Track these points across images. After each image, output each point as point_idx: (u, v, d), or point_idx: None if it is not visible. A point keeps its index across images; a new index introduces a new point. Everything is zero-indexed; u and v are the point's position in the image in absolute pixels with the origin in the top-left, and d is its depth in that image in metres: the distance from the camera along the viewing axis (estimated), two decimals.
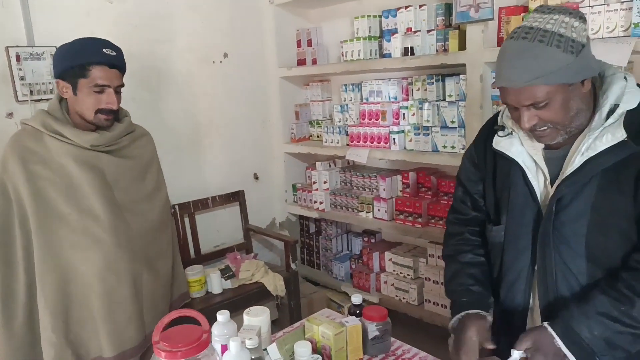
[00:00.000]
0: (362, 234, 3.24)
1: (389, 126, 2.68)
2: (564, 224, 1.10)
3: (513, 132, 1.18)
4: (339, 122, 3.02)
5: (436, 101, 2.52)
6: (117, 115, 1.68)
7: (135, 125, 1.83)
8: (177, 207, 2.70)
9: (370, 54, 2.75)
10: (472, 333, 1.17)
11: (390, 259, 2.88)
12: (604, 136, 1.04)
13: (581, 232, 1.09)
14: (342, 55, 2.86)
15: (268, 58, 3.25)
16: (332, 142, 3.01)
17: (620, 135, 1.02)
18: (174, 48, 2.76)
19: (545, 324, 1.07)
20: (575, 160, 1.08)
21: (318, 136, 3.23)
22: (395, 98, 2.75)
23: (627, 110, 1.04)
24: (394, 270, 2.86)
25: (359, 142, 2.82)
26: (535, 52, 0.99)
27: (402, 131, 2.64)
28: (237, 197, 3.06)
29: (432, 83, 2.54)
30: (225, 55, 3.04)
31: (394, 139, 2.65)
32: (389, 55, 2.64)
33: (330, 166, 3.21)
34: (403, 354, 1.39)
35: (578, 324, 1.03)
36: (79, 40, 1.61)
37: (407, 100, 2.68)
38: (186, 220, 2.81)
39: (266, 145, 3.35)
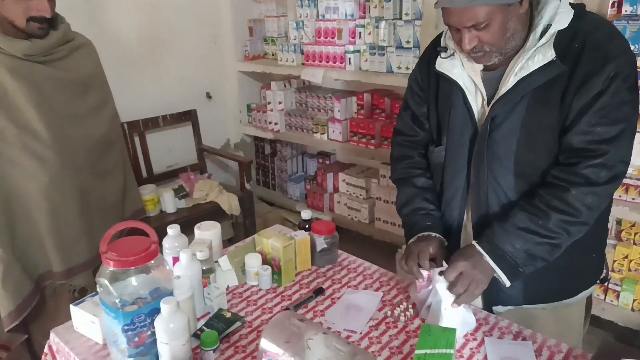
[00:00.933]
0: (316, 156, 3.28)
1: (344, 45, 2.63)
2: (497, 142, 1.15)
3: (455, 54, 1.19)
4: (295, 39, 2.92)
5: (392, 19, 2.47)
6: (52, 22, 1.55)
7: (75, 33, 1.69)
8: (125, 125, 2.61)
9: None
10: (428, 247, 1.21)
11: (343, 180, 2.95)
12: (535, 56, 1.07)
13: (511, 149, 1.14)
14: None
15: None
16: (287, 61, 2.93)
17: (550, 55, 1.05)
18: None
19: (474, 242, 1.15)
20: (509, 80, 1.10)
21: (273, 54, 3.13)
22: (352, 15, 2.67)
23: (558, 31, 1.07)
24: (347, 191, 2.94)
25: (314, 61, 2.76)
26: None
27: (358, 51, 2.60)
28: (189, 116, 2.98)
29: (389, 0, 2.47)
30: None
31: (350, 58, 2.60)
32: None
33: (285, 86, 3.15)
34: (349, 264, 1.47)
35: (501, 240, 1.11)
36: None
37: (364, 18, 2.61)
38: (136, 139, 2.73)
39: (218, 63, 3.23)
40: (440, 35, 1.26)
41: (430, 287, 1.17)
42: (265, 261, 1.38)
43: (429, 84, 1.30)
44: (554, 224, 1.08)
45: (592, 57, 1.04)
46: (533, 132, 1.12)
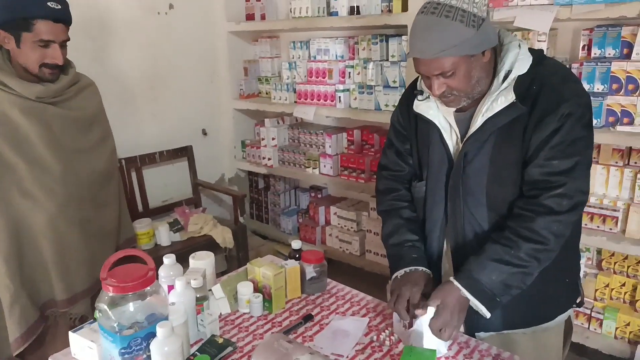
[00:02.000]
0: (309, 190, 3.36)
1: (335, 84, 2.76)
2: (470, 176, 1.25)
3: (430, 97, 1.30)
4: (287, 79, 3.06)
5: (380, 61, 2.61)
6: (62, 68, 1.66)
7: (80, 74, 1.80)
8: (123, 161, 2.69)
9: (318, 12, 2.78)
10: (418, 290, 1.25)
11: (335, 213, 3.02)
12: (499, 99, 1.18)
13: (482, 183, 1.23)
14: (291, 11, 2.88)
15: (216, 11, 3.20)
16: (280, 99, 3.06)
17: (511, 97, 1.16)
18: None
19: (451, 278, 1.21)
20: (477, 120, 1.21)
21: (267, 93, 3.26)
22: (342, 57, 2.81)
23: (518, 75, 1.18)
24: (339, 224, 3.01)
25: (306, 99, 2.89)
26: (441, 26, 1.10)
27: (348, 89, 2.73)
28: (185, 152, 3.08)
29: (377, 43, 2.62)
30: (171, 6, 2.97)
31: (340, 97, 2.73)
32: (336, 14, 2.68)
33: (278, 123, 3.26)
34: (337, 292, 1.53)
35: (477, 273, 1.17)
36: None
37: (353, 59, 2.76)
38: (133, 174, 2.81)
39: (214, 101, 3.35)
40: (417, 80, 1.37)
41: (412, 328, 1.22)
42: (256, 289, 1.44)
43: (409, 123, 1.40)
44: (525, 253, 1.15)
45: (548, 98, 1.14)
46: (500, 167, 1.21)
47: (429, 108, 1.29)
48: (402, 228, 1.40)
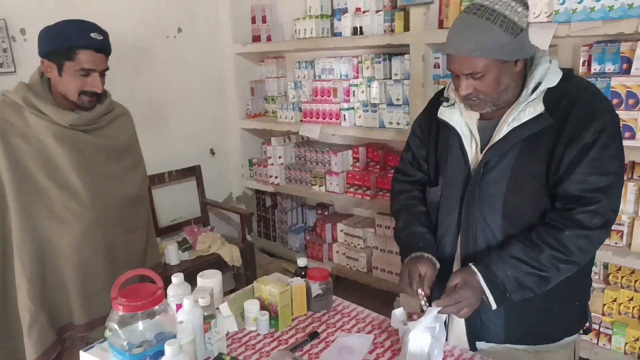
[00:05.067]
0: (316, 207, 3.39)
1: (339, 103, 2.81)
2: (488, 185, 1.27)
3: (455, 104, 1.34)
4: (293, 98, 3.11)
5: (383, 79, 2.65)
6: (99, 96, 1.70)
7: (115, 103, 1.84)
8: None
9: (323, 33, 2.85)
10: (426, 268, 1.30)
11: (342, 230, 3.04)
12: (527, 109, 1.20)
13: (500, 192, 1.25)
14: (296, 32, 2.94)
15: (223, 33, 3.28)
16: (286, 118, 3.11)
17: (540, 108, 1.18)
18: (127, 21, 2.77)
19: (471, 264, 1.24)
20: (503, 129, 1.23)
21: (273, 112, 3.32)
22: (347, 76, 2.87)
23: (548, 88, 1.20)
24: (345, 241, 3.03)
25: (311, 118, 2.94)
26: (480, 27, 1.13)
27: (352, 108, 2.77)
28: (193, 172, 3.13)
29: (380, 62, 2.67)
30: (180, 30, 3.06)
31: (345, 115, 2.77)
32: (340, 34, 2.75)
33: (285, 141, 3.31)
34: (343, 309, 1.54)
35: (495, 265, 1.20)
36: (67, 22, 1.60)
37: (357, 78, 2.81)
38: None
39: (222, 121, 3.41)
40: (444, 89, 1.41)
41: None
42: (263, 307, 1.46)
43: (430, 130, 1.44)
44: (545, 258, 1.17)
45: (580, 113, 1.16)
46: (520, 178, 1.23)
47: (452, 114, 1.33)
48: (414, 222, 1.43)
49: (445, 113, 1.34)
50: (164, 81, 3.03)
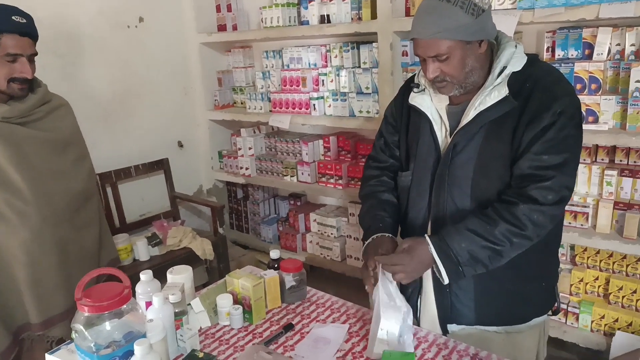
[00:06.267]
0: (288, 197, 3.37)
1: (309, 92, 2.78)
2: (456, 167, 1.29)
3: (425, 90, 1.35)
4: (262, 88, 3.07)
5: (352, 68, 2.64)
6: (31, 84, 1.63)
7: (52, 94, 1.77)
8: (97, 177, 2.65)
9: (289, 21, 2.80)
10: (386, 246, 1.34)
11: (315, 220, 3.03)
12: (492, 93, 1.22)
13: (469, 175, 1.27)
14: (262, 21, 2.89)
15: (187, 23, 3.20)
16: (255, 109, 3.06)
17: (504, 92, 1.21)
18: (84, 11, 2.65)
19: (426, 235, 1.26)
20: (470, 113, 1.25)
21: (242, 103, 3.26)
22: (315, 65, 2.84)
23: (513, 72, 1.23)
24: (319, 230, 3.02)
25: (281, 108, 2.90)
26: (442, 10, 1.16)
27: (322, 97, 2.75)
28: (161, 165, 3.05)
29: (348, 51, 2.65)
30: (141, 19, 2.96)
31: (314, 104, 2.75)
32: (307, 23, 2.71)
33: (254, 132, 3.27)
34: (317, 299, 1.53)
35: (450, 237, 1.22)
36: None
37: (326, 67, 2.78)
38: (109, 190, 2.78)
39: (189, 113, 3.34)
40: (414, 76, 1.43)
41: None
42: (236, 301, 1.44)
43: (402, 116, 1.46)
44: (500, 232, 1.19)
45: (541, 96, 1.19)
46: (487, 160, 1.25)
47: (423, 100, 1.35)
48: (376, 207, 1.46)
49: (416, 99, 1.36)
50: (127, 73, 2.93)
